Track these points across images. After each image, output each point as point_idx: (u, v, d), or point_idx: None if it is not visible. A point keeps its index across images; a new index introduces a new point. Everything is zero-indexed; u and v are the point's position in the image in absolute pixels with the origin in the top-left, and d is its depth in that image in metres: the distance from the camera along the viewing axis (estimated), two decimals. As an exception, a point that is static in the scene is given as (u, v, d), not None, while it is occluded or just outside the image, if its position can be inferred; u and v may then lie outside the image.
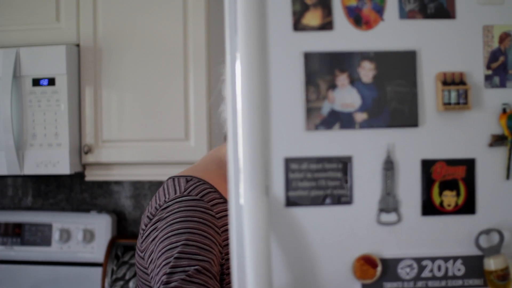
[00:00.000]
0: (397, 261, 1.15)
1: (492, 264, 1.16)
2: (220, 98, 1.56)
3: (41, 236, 2.67)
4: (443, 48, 1.18)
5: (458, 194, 1.17)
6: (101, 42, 2.43)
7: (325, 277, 1.14)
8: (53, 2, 2.44)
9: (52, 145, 2.35)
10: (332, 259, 1.14)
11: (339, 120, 1.13)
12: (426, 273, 1.15)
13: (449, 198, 1.18)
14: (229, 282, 1.41)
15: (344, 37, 1.14)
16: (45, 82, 2.35)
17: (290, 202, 1.12)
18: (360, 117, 1.14)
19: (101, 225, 2.66)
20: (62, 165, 2.35)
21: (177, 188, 1.44)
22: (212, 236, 1.39)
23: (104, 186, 2.78)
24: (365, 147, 1.13)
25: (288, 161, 1.12)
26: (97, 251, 2.64)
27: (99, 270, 2.62)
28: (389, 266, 1.15)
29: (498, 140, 1.17)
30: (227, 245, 1.41)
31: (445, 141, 1.17)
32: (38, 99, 2.35)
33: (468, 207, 1.16)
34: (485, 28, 1.22)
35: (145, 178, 2.51)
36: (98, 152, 2.43)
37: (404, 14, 1.17)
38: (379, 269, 1.14)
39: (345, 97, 1.13)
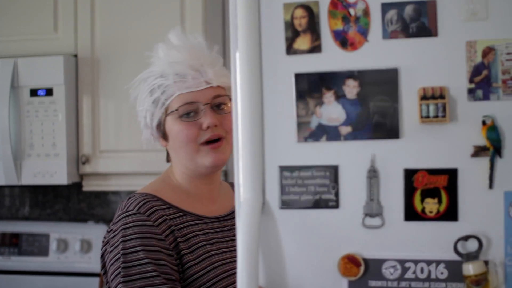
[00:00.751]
0: (381, 261, 1.24)
1: (470, 269, 1.20)
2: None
3: (39, 246, 2.67)
4: (425, 65, 1.25)
5: (440, 202, 1.24)
6: (98, 53, 2.43)
7: (314, 273, 1.25)
8: (51, 12, 2.45)
9: (49, 155, 2.35)
10: (321, 257, 1.25)
11: (326, 133, 1.26)
12: (409, 275, 1.24)
13: (431, 205, 1.25)
14: (193, 274, 1.49)
15: (331, 58, 1.26)
16: (43, 92, 2.35)
17: (284, 205, 1.27)
18: (345, 130, 1.26)
19: (99, 235, 2.65)
20: (59, 175, 2.35)
21: (128, 204, 1.52)
22: (155, 246, 1.46)
23: (102, 196, 2.78)
24: (350, 157, 1.25)
25: (281, 169, 1.27)
26: (94, 261, 2.63)
27: (96, 280, 2.62)
28: (374, 266, 1.24)
29: (480, 151, 1.23)
30: (179, 243, 1.49)
31: (428, 152, 1.24)
32: (35, 109, 2.35)
33: (450, 214, 1.23)
34: (468, 43, 1.27)
35: (143, 188, 2.52)
36: (96, 162, 2.43)
37: (387, 35, 1.25)
38: (362, 268, 1.24)
39: (331, 112, 1.26)
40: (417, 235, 1.24)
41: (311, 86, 1.28)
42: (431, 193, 1.25)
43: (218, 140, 1.54)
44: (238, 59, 1.24)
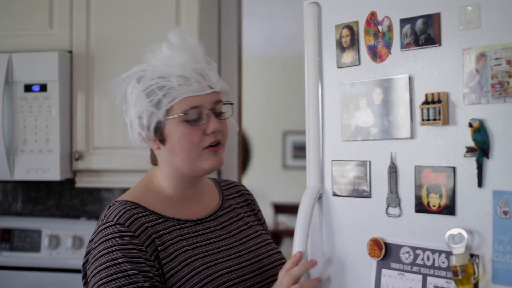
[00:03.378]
0: (399, 247, 1.45)
1: (453, 260, 1.32)
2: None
3: (30, 242, 2.67)
4: (432, 72, 1.40)
5: (441, 197, 1.38)
6: (93, 49, 2.44)
7: (351, 250, 1.54)
8: (46, 8, 2.45)
9: (42, 151, 2.35)
10: (356, 237, 1.53)
11: (361, 133, 1.52)
12: (419, 261, 1.42)
13: (434, 200, 1.40)
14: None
15: (366, 69, 1.51)
16: (37, 88, 2.35)
17: (334, 193, 1.57)
18: (373, 131, 1.50)
19: (91, 232, 2.58)
20: (52, 171, 2.35)
21: (108, 214, 1.52)
22: (138, 257, 1.45)
23: (94, 193, 2.78)
24: (378, 154, 1.49)
25: (333, 163, 1.58)
26: (86, 257, 2.64)
27: (87, 277, 2.62)
28: (394, 250, 1.46)
29: (470, 152, 1.34)
30: (159, 252, 1.48)
31: (433, 151, 1.39)
32: (29, 105, 2.35)
33: (448, 209, 1.37)
34: (464, 51, 1.36)
35: (136, 185, 2.52)
36: (89, 159, 2.43)
37: (403, 46, 1.44)
38: (383, 251, 1.47)
39: (364, 115, 1.51)
40: (425, 226, 1.41)
41: (351, 94, 1.53)
42: (435, 188, 1.39)
43: (217, 145, 1.54)
44: (306, 74, 1.60)
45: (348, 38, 1.55)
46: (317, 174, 1.59)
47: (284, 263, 1.59)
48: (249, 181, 6.12)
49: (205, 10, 2.47)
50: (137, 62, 2.37)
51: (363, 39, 1.52)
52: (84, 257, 1.55)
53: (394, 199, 1.46)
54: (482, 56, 1.32)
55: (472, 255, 1.32)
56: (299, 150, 7.13)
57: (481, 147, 1.31)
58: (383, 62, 1.49)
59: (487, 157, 1.31)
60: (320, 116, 1.58)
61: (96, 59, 2.43)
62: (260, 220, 1.79)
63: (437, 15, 1.40)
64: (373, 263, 1.48)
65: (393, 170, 1.47)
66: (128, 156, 2.41)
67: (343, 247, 1.55)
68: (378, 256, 1.48)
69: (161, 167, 1.60)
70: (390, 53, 1.47)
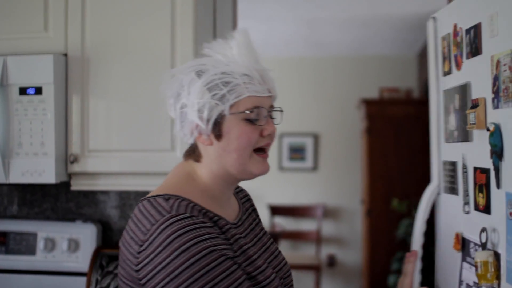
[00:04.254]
0: (469, 242, 1.54)
1: (476, 255, 1.39)
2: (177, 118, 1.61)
3: (26, 245, 2.67)
4: (479, 78, 1.48)
5: (483, 197, 1.45)
6: (88, 52, 2.43)
7: (444, 244, 1.70)
8: (41, 11, 2.45)
9: (38, 154, 2.35)
10: (452, 230, 1.63)
11: (451, 136, 1.64)
12: None
13: (480, 199, 1.47)
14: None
15: (452, 77, 1.62)
16: (32, 91, 2.35)
17: (441, 190, 1.71)
18: (455, 134, 1.61)
19: (86, 235, 2.65)
20: (47, 174, 2.35)
21: (161, 209, 1.45)
22: (225, 246, 1.43)
23: (90, 196, 2.78)
24: (459, 155, 1.60)
25: (443, 163, 1.70)
26: (82, 260, 2.63)
27: (83, 280, 2.62)
28: (467, 245, 1.55)
29: (492, 154, 1.39)
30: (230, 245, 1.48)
31: (480, 154, 1.46)
32: (24, 108, 2.35)
33: (487, 208, 1.43)
34: (491, 58, 1.40)
35: (131, 188, 2.52)
36: (84, 162, 2.43)
37: (466, 56, 1.54)
38: (460, 245, 1.57)
39: (452, 120, 1.63)
40: (479, 224, 1.48)
41: (447, 100, 1.66)
42: (481, 188, 1.46)
43: (264, 152, 1.56)
44: (431, 84, 1.76)
45: (446, 49, 1.64)
46: (435, 173, 1.75)
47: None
48: (245, 182, 6.10)
49: (200, 12, 2.47)
50: (132, 65, 2.38)
51: (452, 49, 1.60)
52: (137, 264, 1.44)
53: (465, 197, 1.53)
54: (498, 62, 1.34)
55: (496, 253, 1.36)
56: (295, 152, 7.13)
57: (494, 150, 1.33)
58: (460, 70, 1.55)
59: (500, 159, 1.33)
60: (436, 119, 1.73)
61: (91, 62, 2.43)
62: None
63: (479, 25, 1.44)
64: (457, 256, 1.57)
65: (464, 170, 1.54)
66: (124, 158, 2.41)
67: (438, 241, 1.72)
68: (457, 250, 1.57)
69: (206, 165, 1.57)
70: (463, 62, 1.53)
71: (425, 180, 5.95)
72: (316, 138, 7.15)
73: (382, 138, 5.92)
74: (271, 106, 1.58)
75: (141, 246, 1.42)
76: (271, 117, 1.58)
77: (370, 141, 5.96)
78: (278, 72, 6.62)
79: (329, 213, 7.06)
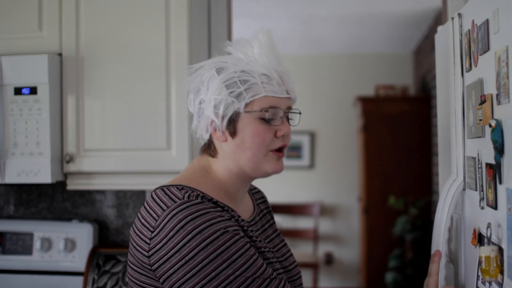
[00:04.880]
0: (484, 237, 1.51)
1: (480, 250, 1.40)
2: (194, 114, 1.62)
3: (22, 245, 2.67)
4: (487, 75, 1.46)
5: (491, 192, 1.43)
6: (83, 51, 2.43)
7: (464, 239, 1.70)
8: (35, 11, 2.44)
9: (33, 154, 2.35)
10: (472, 226, 1.62)
11: (470, 132, 1.62)
12: None
13: (490, 195, 1.44)
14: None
15: (470, 74, 1.62)
16: (27, 91, 2.35)
17: (465, 186, 1.70)
18: (473, 130, 1.59)
19: (83, 234, 2.65)
20: (43, 174, 2.35)
21: (173, 196, 1.47)
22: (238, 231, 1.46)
23: (86, 195, 2.78)
24: (474, 152, 1.59)
25: (466, 159, 1.69)
26: (79, 260, 2.64)
27: (80, 279, 2.62)
28: (481, 240, 1.53)
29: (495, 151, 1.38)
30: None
31: (490, 149, 1.43)
32: (19, 107, 2.35)
33: (495, 203, 1.42)
34: (494, 54, 1.40)
35: (127, 187, 2.52)
36: (80, 161, 2.43)
37: (479, 52, 1.52)
38: (476, 240, 1.56)
39: (471, 116, 1.62)
40: (489, 220, 1.47)
41: (467, 96, 1.66)
42: (490, 184, 1.44)
43: (281, 150, 1.56)
44: (455, 81, 1.75)
45: (467, 46, 1.63)
46: (459, 169, 1.74)
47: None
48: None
49: (194, 11, 2.47)
50: (127, 64, 2.38)
51: (471, 46, 1.60)
52: (148, 249, 1.45)
53: (480, 193, 1.51)
54: (499, 59, 1.35)
55: (500, 248, 1.36)
56: (292, 150, 7.13)
57: (495, 146, 1.35)
58: (476, 67, 1.55)
59: (501, 155, 1.34)
60: (461, 114, 1.72)
61: (86, 62, 2.43)
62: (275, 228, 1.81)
63: (487, 22, 1.44)
64: (475, 252, 1.54)
65: (479, 166, 1.52)
66: (120, 158, 2.41)
67: (462, 236, 1.71)
68: (474, 245, 1.54)
69: (221, 160, 1.59)
70: (478, 58, 1.52)
71: (422, 177, 5.97)
72: (312, 136, 7.15)
73: (379, 135, 5.93)
74: (289, 108, 1.58)
75: (153, 232, 1.44)
76: (288, 119, 1.58)
77: (366, 138, 5.97)
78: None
79: (326, 210, 7.07)
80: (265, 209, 1.79)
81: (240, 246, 1.42)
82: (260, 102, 1.52)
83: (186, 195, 1.46)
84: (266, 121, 1.52)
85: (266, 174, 1.57)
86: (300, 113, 1.61)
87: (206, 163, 1.61)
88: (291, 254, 1.73)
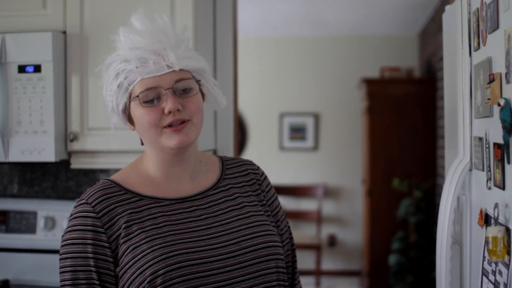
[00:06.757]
0: (490, 217, 1.50)
1: (487, 230, 1.39)
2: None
3: (26, 223, 2.67)
4: (496, 54, 1.45)
5: (499, 173, 1.42)
6: (88, 30, 2.42)
7: (473, 221, 1.69)
8: (39, -12, 2.42)
9: (37, 132, 2.34)
10: (479, 207, 1.63)
11: (478, 112, 1.61)
12: None
13: (497, 175, 1.44)
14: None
15: (479, 53, 1.62)
16: (31, 69, 2.34)
17: (472, 167, 1.71)
18: (480, 109, 1.59)
19: (87, 213, 2.65)
20: (47, 153, 2.34)
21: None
22: (87, 244, 1.53)
23: (90, 174, 2.77)
24: (483, 131, 1.57)
25: (473, 138, 1.69)
26: (82, 239, 2.63)
27: (84, 258, 2.61)
28: (489, 220, 1.51)
29: (504, 130, 1.37)
30: (123, 229, 1.53)
31: (498, 128, 1.42)
32: (23, 86, 2.33)
33: (503, 183, 1.41)
34: (504, 32, 1.38)
35: (131, 166, 2.51)
36: (84, 140, 2.42)
37: (488, 30, 1.52)
38: (483, 221, 1.55)
39: (478, 96, 1.62)
40: (496, 200, 1.46)
41: (475, 76, 1.65)
42: (497, 163, 1.44)
43: (182, 123, 1.56)
44: (463, 60, 1.76)
45: (475, 25, 1.63)
46: (466, 149, 1.75)
47: (273, 245, 1.59)
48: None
49: (200, -11, 2.45)
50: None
51: (480, 24, 1.60)
52: None
53: (487, 173, 1.52)
54: (509, 36, 1.33)
55: (507, 229, 1.36)
56: (296, 132, 7.12)
57: (503, 125, 1.33)
58: (485, 46, 1.55)
59: (509, 135, 1.33)
60: (468, 94, 1.71)
61: (91, 40, 2.41)
62: (262, 201, 1.71)
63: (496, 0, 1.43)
64: (482, 232, 1.54)
65: (486, 146, 1.53)
66: (124, 137, 2.39)
67: (468, 217, 1.72)
68: (481, 225, 1.55)
69: (145, 147, 1.66)
70: (487, 36, 1.52)
71: (426, 160, 5.95)
72: (316, 117, 7.14)
73: (383, 117, 5.91)
74: (178, 80, 1.55)
75: None
76: (181, 92, 1.56)
77: (371, 120, 5.95)
78: (277, 51, 6.59)
79: (329, 192, 7.07)
80: (246, 182, 1.71)
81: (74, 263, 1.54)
82: (139, 87, 1.54)
83: (89, 195, 1.57)
84: (148, 103, 1.54)
85: (171, 149, 1.58)
86: (198, 80, 1.61)
87: (139, 159, 1.70)
88: (253, 226, 1.62)
